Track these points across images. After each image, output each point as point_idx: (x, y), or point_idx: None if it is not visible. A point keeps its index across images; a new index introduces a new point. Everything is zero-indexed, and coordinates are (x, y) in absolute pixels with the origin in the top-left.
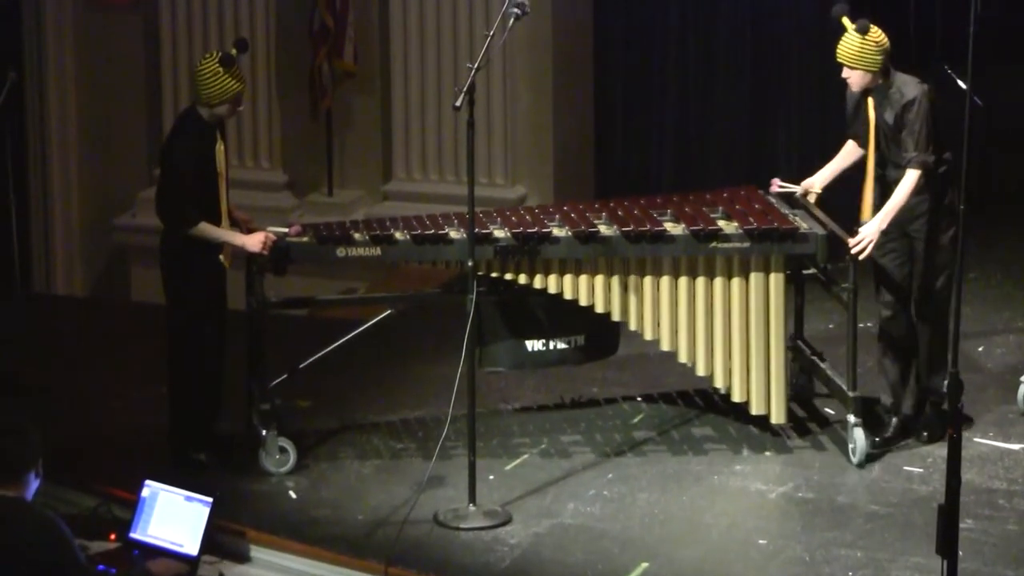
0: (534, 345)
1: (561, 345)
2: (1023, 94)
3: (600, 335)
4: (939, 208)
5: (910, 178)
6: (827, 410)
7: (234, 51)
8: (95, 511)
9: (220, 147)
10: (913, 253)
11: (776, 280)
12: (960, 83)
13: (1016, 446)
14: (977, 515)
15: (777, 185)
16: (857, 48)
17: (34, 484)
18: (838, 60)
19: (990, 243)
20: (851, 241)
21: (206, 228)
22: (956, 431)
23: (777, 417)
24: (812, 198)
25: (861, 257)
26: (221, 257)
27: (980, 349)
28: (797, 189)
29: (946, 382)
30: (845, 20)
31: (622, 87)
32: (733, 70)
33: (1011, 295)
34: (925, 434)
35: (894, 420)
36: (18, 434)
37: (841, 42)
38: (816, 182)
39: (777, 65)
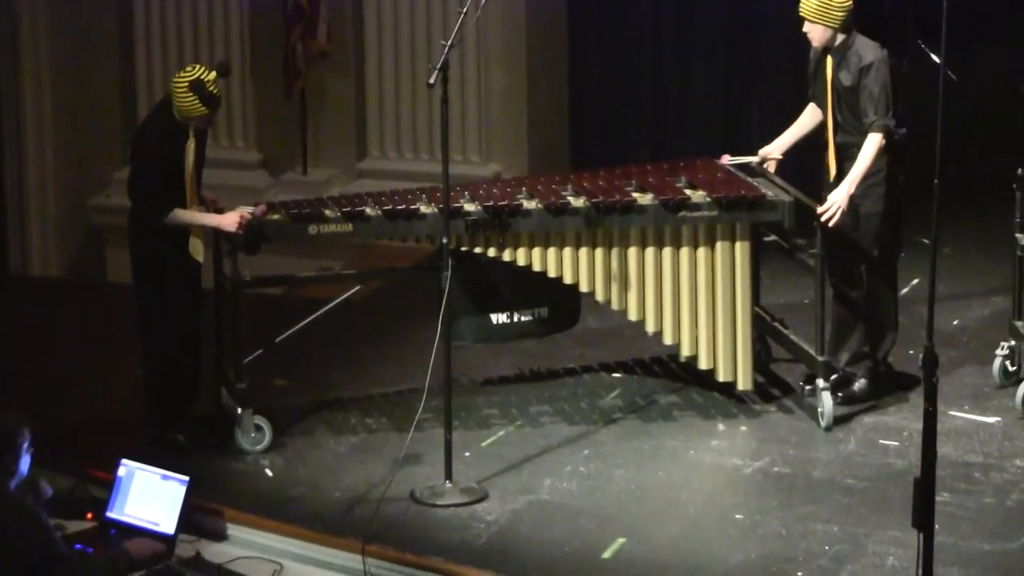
0: (499, 318)
1: (525, 318)
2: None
3: (562, 307)
4: (887, 177)
5: (872, 142)
6: (785, 377)
7: (213, 74)
8: (72, 491)
9: (191, 144)
10: (858, 216)
11: (742, 248)
12: (934, 57)
13: (991, 419)
14: (953, 488)
15: (727, 160)
16: (816, 3)
17: (19, 473)
18: (800, 14)
19: (965, 218)
20: (820, 208)
21: (180, 213)
22: (932, 405)
23: (744, 384)
24: (771, 165)
25: (831, 224)
26: (191, 247)
27: (955, 323)
28: (752, 159)
29: (888, 347)
30: None
31: (597, 64)
32: (708, 46)
33: (985, 269)
34: (858, 385)
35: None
36: (2, 420)
37: None
38: (775, 148)
39: (752, 41)
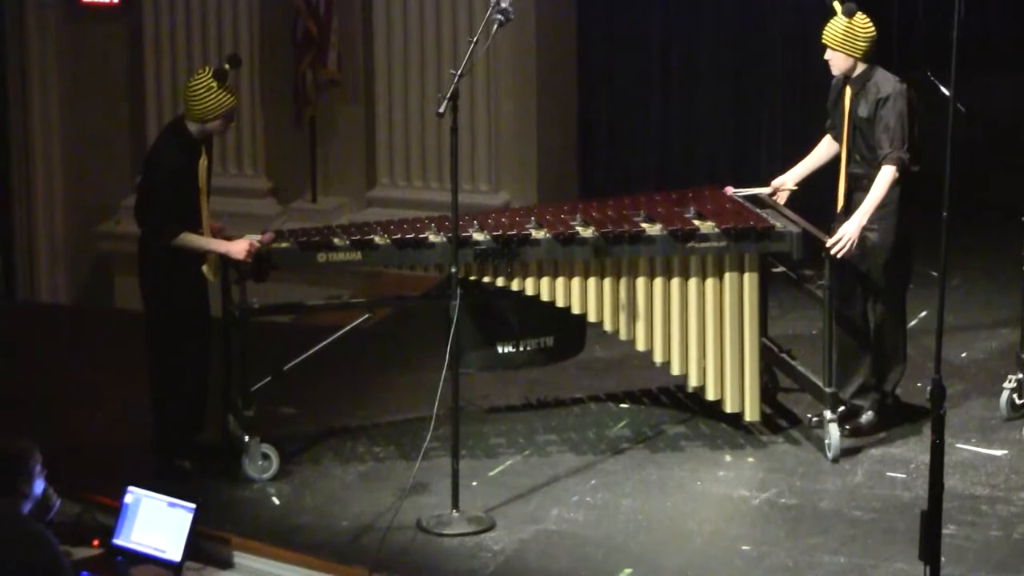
0: (504, 347)
1: (531, 347)
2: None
3: (567, 335)
4: (898, 209)
5: (886, 174)
6: (792, 408)
7: (227, 66)
8: (79, 518)
9: (203, 162)
10: (866, 247)
11: (750, 279)
12: (943, 89)
13: (998, 452)
14: (960, 521)
15: (731, 192)
16: (842, 30)
17: (32, 496)
18: (822, 41)
19: (973, 250)
20: (830, 241)
21: (189, 237)
22: (939, 437)
23: (751, 415)
24: (783, 196)
25: (840, 256)
26: (205, 269)
27: (963, 355)
28: (763, 190)
29: (896, 380)
30: (836, 4)
31: (606, 94)
32: (716, 77)
33: (994, 301)
34: (865, 417)
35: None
36: (13, 445)
37: (828, 24)
38: (788, 179)
39: (760, 72)
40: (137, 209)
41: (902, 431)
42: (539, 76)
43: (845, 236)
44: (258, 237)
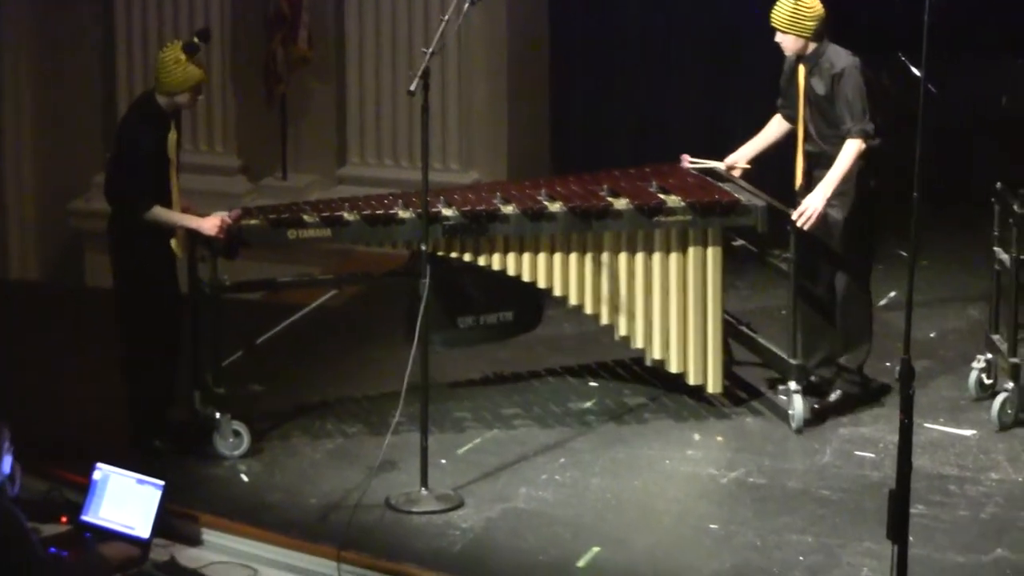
0: (465, 322)
1: (491, 321)
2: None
3: (526, 310)
4: (857, 185)
5: (851, 147)
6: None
7: (196, 40)
8: (47, 494)
9: (173, 136)
10: (828, 224)
11: (714, 252)
12: (915, 71)
13: (967, 432)
14: (928, 501)
15: (688, 161)
16: (789, 12)
17: (0, 474)
18: (771, 24)
19: (943, 232)
20: (795, 213)
21: (161, 211)
22: (908, 417)
23: (714, 387)
24: (736, 173)
25: (806, 227)
26: (174, 243)
27: (932, 335)
28: (718, 165)
29: (863, 358)
30: None
31: (578, 72)
32: (689, 55)
33: (962, 282)
34: (833, 396)
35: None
36: None
37: (775, 6)
38: (740, 157)
39: (733, 50)
40: (107, 185)
41: (871, 411)
42: (511, 54)
43: (810, 208)
44: (227, 214)
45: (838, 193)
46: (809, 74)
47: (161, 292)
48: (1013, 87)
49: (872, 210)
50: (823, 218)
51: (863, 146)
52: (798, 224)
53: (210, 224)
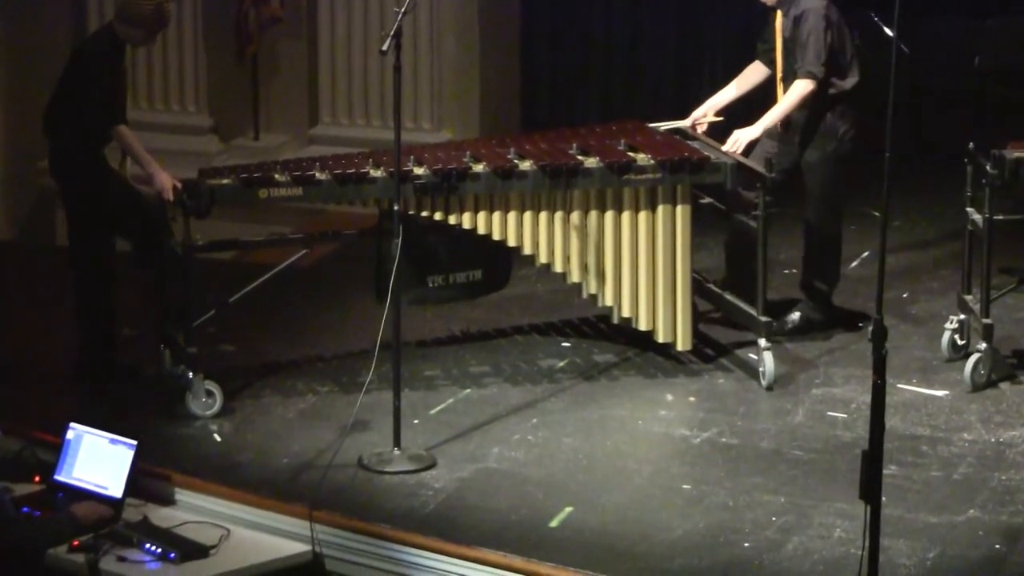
0: (434, 280)
1: (460, 280)
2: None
3: (494, 268)
4: (828, 130)
5: (797, 87)
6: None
7: None
8: (19, 454)
9: (125, 66)
10: (795, 161)
11: (683, 210)
12: (887, 31)
13: (940, 393)
14: (900, 461)
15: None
16: None
17: None
18: None
19: (915, 191)
20: (727, 144)
21: (129, 134)
22: (880, 377)
23: (683, 344)
24: (702, 127)
25: (738, 153)
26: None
27: (904, 296)
28: (682, 123)
29: (827, 294)
30: None
31: (548, 32)
32: (659, 10)
33: (935, 242)
34: (790, 317)
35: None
36: None
37: None
38: (709, 109)
39: (703, 4)
40: (57, 111)
41: (843, 371)
42: (482, 14)
43: (739, 139)
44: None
45: (811, 139)
46: (784, 20)
47: (100, 211)
48: (986, 48)
49: (847, 155)
50: (794, 161)
51: (811, 87)
52: (728, 150)
53: (167, 180)
